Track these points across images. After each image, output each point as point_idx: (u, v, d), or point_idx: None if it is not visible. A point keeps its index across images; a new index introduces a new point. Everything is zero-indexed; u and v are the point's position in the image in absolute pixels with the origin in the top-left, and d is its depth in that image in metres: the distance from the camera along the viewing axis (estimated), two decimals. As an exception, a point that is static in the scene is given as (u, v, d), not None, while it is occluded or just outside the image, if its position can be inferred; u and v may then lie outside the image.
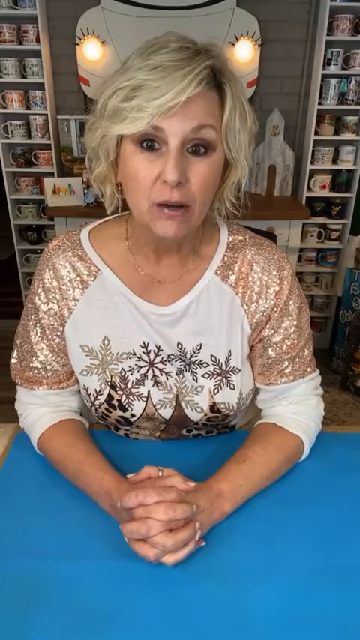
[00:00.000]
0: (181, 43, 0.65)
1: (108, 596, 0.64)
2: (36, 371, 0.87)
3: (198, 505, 0.69)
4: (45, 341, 0.85)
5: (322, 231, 2.79)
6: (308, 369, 0.88)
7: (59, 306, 0.83)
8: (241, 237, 0.85)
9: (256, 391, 0.92)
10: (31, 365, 0.87)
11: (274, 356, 0.85)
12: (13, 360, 0.90)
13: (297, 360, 0.86)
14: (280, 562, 0.69)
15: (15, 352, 0.89)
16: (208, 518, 0.71)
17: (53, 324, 0.84)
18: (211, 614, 0.62)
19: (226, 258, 0.83)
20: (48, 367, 0.86)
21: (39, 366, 0.86)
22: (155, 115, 0.63)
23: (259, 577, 0.66)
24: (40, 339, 0.85)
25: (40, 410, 0.88)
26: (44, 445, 0.85)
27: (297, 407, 0.87)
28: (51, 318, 0.84)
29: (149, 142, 0.66)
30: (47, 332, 0.85)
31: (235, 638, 0.59)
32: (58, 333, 0.85)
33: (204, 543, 0.69)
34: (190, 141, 0.66)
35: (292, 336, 0.85)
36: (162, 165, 0.66)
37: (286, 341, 0.85)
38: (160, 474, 0.70)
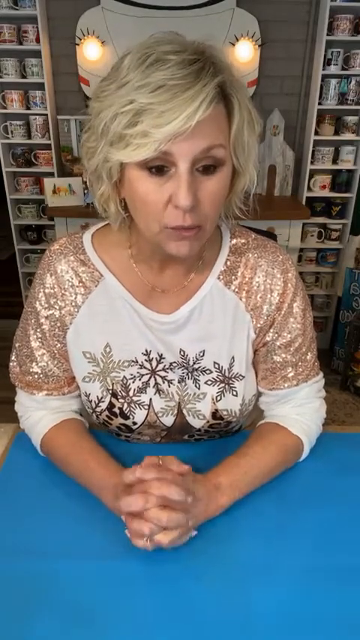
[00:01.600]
0: (183, 55, 0.60)
1: (108, 596, 0.64)
2: (36, 376, 0.86)
3: (195, 494, 0.68)
4: (45, 347, 0.84)
5: (322, 231, 2.79)
6: (312, 373, 0.86)
7: (61, 312, 0.82)
8: (243, 240, 0.84)
9: (258, 394, 0.91)
10: (31, 370, 0.86)
11: (277, 360, 0.85)
12: (11, 364, 0.89)
13: (300, 363, 0.85)
14: (280, 562, 0.68)
15: (14, 355, 0.88)
16: (204, 509, 0.71)
17: (54, 330, 0.83)
18: (212, 613, 0.62)
19: (228, 263, 0.82)
20: (48, 373, 0.85)
21: (39, 372, 0.85)
22: (163, 141, 0.59)
23: (259, 577, 0.66)
24: (40, 344, 0.84)
25: (40, 412, 0.87)
26: (47, 445, 0.84)
27: (299, 409, 0.87)
28: (52, 324, 0.83)
29: (157, 167, 0.63)
30: (48, 337, 0.84)
31: (236, 637, 0.59)
32: (60, 339, 0.84)
33: (195, 533, 0.70)
34: (199, 161, 0.63)
35: (296, 339, 0.84)
36: (172, 189, 0.63)
37: (290, 345, 0.84)
38: (160, 462, 0.70)
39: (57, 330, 0.83)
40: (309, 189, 2.70)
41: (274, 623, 0.61)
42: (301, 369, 0.85)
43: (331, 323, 2.96)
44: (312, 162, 2.66)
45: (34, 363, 0.85)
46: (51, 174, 2.67)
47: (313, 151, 2.64)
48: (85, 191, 2.46)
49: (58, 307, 0.82)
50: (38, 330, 0.84)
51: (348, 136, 2.60)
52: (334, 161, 2.68)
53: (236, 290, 0.82)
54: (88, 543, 0.71)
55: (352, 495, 0.80)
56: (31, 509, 0.77)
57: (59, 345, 0.84)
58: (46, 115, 2.58)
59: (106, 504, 0.74)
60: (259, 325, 0.83)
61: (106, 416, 0.85)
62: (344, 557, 0.69)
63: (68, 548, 0.70)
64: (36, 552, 0.69)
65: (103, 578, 0.66)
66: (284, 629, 0.60)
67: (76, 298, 0.81)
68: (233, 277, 0.82)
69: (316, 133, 2.59)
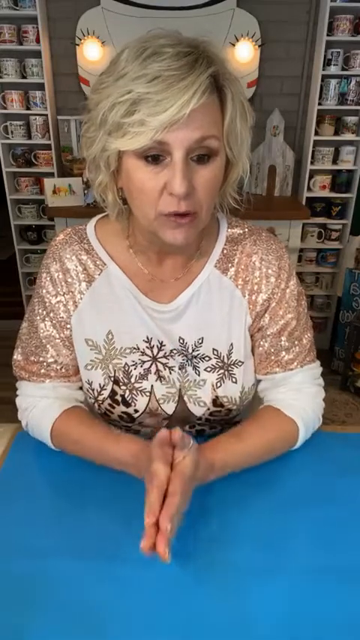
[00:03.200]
0: (178, 47, 0.63)
1: (108, 596, 0.64)
2: (45, 364, 0.86)
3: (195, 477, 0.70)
4: (55, 334, 0.85)
5: (322, 231, 2.79)
6: (307, 358, 0.87)
7: (65, 299, 0.84)
8: (239, 230, 0.86)
9: (257, 382, 0.92)
10: (40, 359, 0.86)
11: (271, 345, 0.86)
12: (16, 357, 0.89)
13: (294, 349, 0.86)
14: (280, 562, 0.68)
15: (19, 349, 0.88)
16: (195, 483, 0.72)
17: (62, 317, 0.85)
18: (212, 614, 0.62)
19: (225, 251, 0.84)
20: (58, 361, 0.86)
21: (50, 361, 0.86)
22: (159, 129, 0.62)
23: (259, 577, 0.66)
24: (49, 332, 0.85)
25: (49, 400, 0.87)
26: (61, 427, 0.83)
27: (296, 394, 0.87)
28: (59, 311, 0.84)
29: (153, 156, 0.65)
30: (56, 325, 0.85)
31: (236, 638, 0.59)
32: (68, 326, 0.85)
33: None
34: (193, 150, 0.65)
35: (289, 324, 0.85)
36: (167, 177, 0.65)
37: (284, 330, 0.85)
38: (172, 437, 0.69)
39: (64, 316, 0.85)
40: (309, 189, 2.70)
41: (275, 624, 0.61)
42: (294, 355, 0.86)
43: (331, 323, 2.96)
44: (312, 163, 2.66)
45: (44, 352, 0.86)
46: (51, 175, 2.68)
47: (313, 152, 2.64)
48: (85, 191, 2.46)
49: (63, 294, 0.84)
50: (47, 318, 0.85)
51: (348, 137, 2.60)
52: (334, 161, 2.68)
53: (233, 277, 0.84)
54: (88, 543, 0.71)
55: (352, 495, 0.80)
56: (31, 509, 0.77)
57: (67, 332, 0.85)
58: (46, 115, 2.58)
59: (130, 473, 0.75)
60: (255, 311, 0.84)
61: (108, 404, 0.86)
62: (344, 557, 0.69)
63: (68, 548, 0.70)
64: (36, 552, 0.69)
65: (103, 578, 0.66)
66: (284, 630, 0.60)
67: (80, 286, 0.83)
68: (230, 265, 0.84)
69: (316, 134, 2.60)
